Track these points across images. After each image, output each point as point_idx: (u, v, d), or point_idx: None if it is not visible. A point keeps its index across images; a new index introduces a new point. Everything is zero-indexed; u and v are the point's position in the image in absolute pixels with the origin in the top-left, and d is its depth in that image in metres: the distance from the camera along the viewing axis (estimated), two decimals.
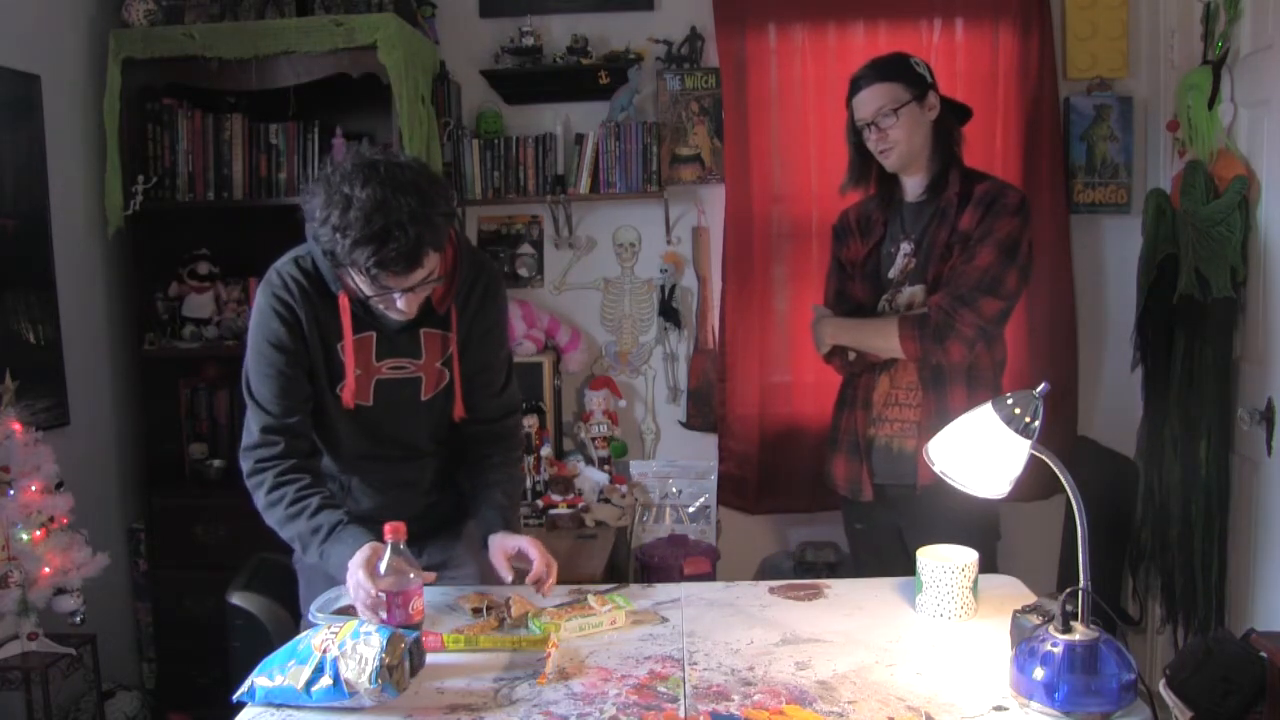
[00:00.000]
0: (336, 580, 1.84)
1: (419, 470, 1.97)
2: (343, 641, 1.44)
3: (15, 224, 2.82)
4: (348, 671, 1.40)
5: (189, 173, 3.19)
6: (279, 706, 1.43)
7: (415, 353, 1.87)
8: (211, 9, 3.10)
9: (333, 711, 1.42)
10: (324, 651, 1.43)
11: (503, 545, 1.84)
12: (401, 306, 1.71)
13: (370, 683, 1.39)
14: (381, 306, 1.74)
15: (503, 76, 3.39)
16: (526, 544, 1.82)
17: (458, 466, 2.02)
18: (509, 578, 1.81)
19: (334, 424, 1.88)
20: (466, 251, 1.89)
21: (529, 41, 3.33)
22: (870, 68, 2.29)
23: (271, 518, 1.79)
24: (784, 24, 3.36)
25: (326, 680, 1.40)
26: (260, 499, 1.79)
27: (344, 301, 1.79)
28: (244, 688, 1.46)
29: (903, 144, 2.25)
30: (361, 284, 1.69)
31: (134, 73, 3.05)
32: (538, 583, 1.79)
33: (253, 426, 1.81)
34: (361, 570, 1.59)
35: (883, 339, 2.26)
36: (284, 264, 1.84)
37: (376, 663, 1.41)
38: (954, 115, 2.33)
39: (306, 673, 1.41)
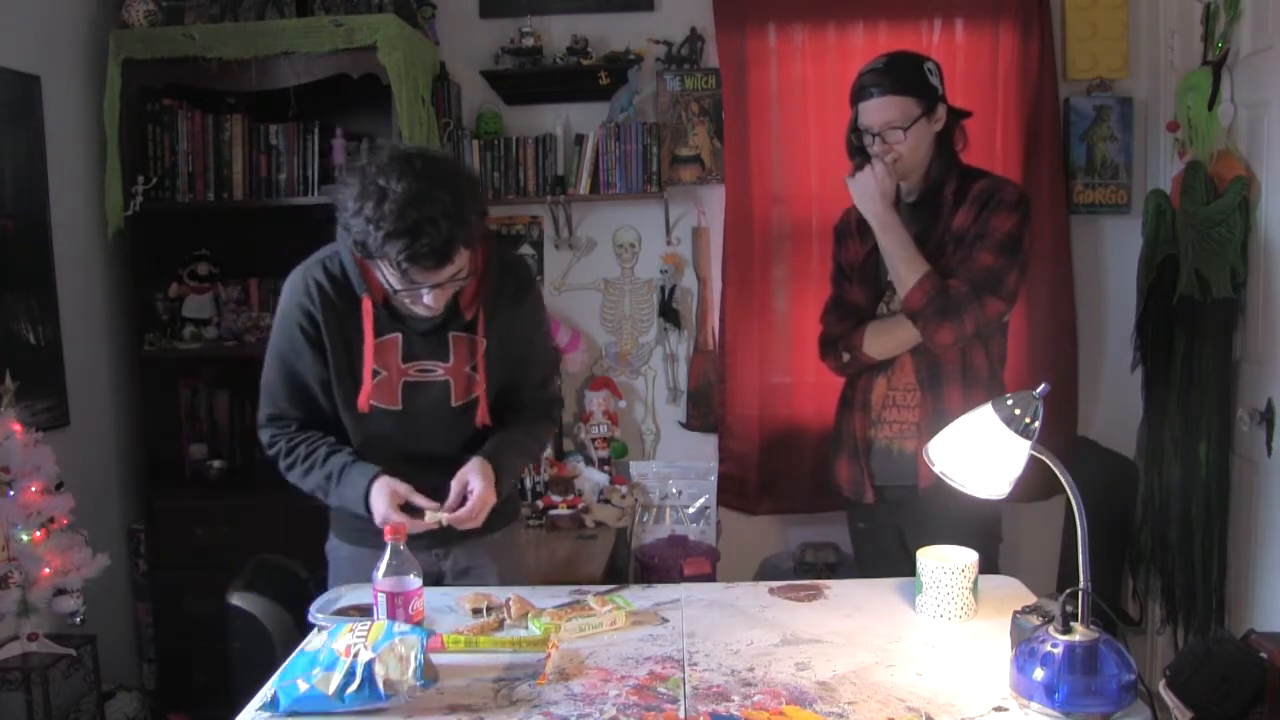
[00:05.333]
0: (364, 544, 1.87)
1: (446, 476, 1.93)
2: (377, 643, 1.43)
3: (15, 224, 2.82)
4: (390, 672, 1.40)
5: (189, 173, 3.19)
6: (305, 715, 1.40)
7: (443, 355, 1.86)
8: (211, 9, 3.10)
9: (351, 715, 1.41)
10: (353, 655, 1.42)
11: (464, 468, 1.82)
12: (428, 302, 1.72)
13: (415, 679, 1.40)
14: (408, 301, 1.74)
15: (503, 77, 3.39)
16: (473, 472, 1.80)
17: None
18: (432, 508, 1.78)
19: (363, 427, 1.88)
20: (498, 255, 1.88)
21: (529, 42, 3.33)
22: (884, 74, 2.22)
23: (293, 477, 1.89)
24: (784, 24, 3.36)
25: (359, 684, 1.39)
26: (281, 465, 1.90)
27: (366, 305, 1.80)
28: (263, 697, 1.44)
29: (907, 157, 2.23)
30: (391, 277, 1.69)
31: (134, 73, 3.05)
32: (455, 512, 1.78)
33: (264, 410, 1.92)
34: (393, 514, 1.72)
35: (906, 268, 2.20)
36: (311, 265, 1.85)
37: (419, 660, 1.42)
38: (954, 117, 2.32)
39: (337, 678, 1.39)
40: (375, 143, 1.74)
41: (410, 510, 1.77)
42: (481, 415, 1.91)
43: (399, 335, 1.83)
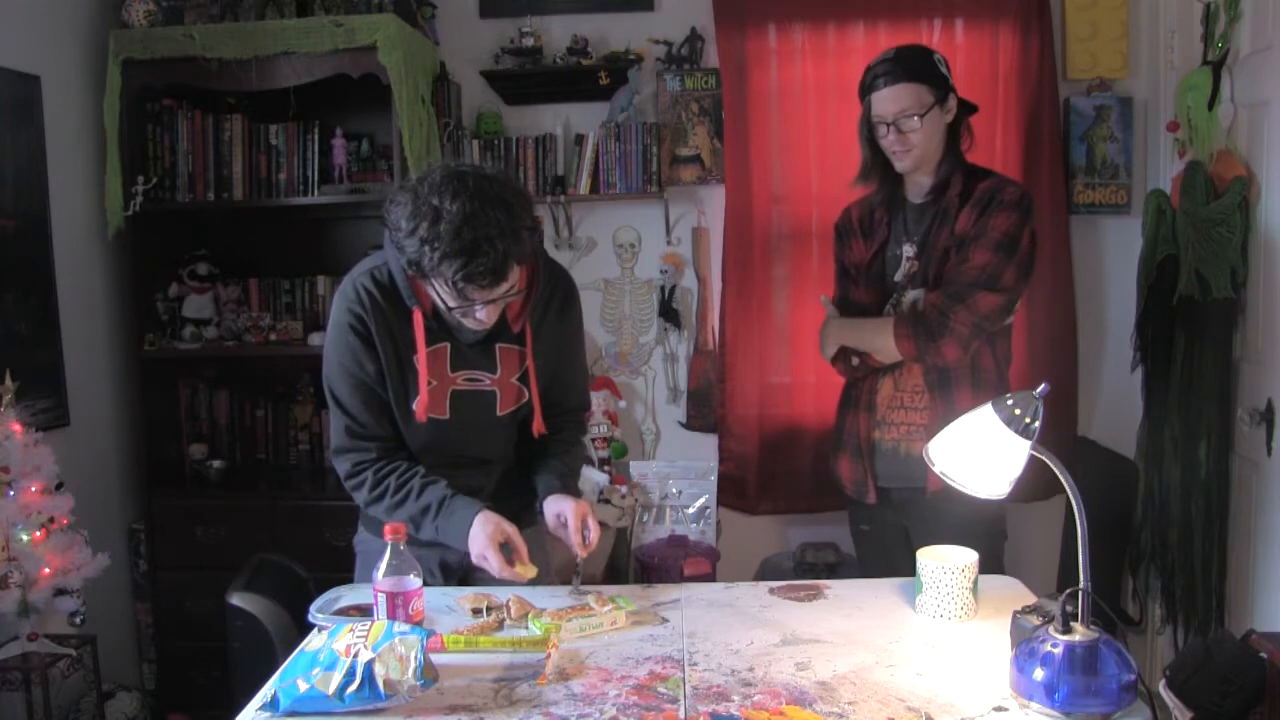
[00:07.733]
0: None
1: (486, 477, 1.97)
2: (377, 643, 1.43)
3: (15, 224, 2.82)
4: (389, 672, 1.40)
5: (189, 173, 3.19)
6: (305, 715, 1.40)
7: (490, 367, 1.87)
8: (211, 9, 3.10)
9: (351, 715, 1.41)
10: (353, 655, 1.42)
11: (552, 510, 1.87)
12: (481, 316, 1.73)
13: (416, 679, 1.40)
14: (459, 315, 1.75)
15: (503, 77, 3.39)
16: (569, 509, 1.85)
17: (523, 473, 2.03)
18: (577, 550, 1.84)
19: (408, 434, 1.88)
20: (545, 264, 1.89)
21: (529, 42, 3.33)
22: (895, 63, 2.20)
23: (378, 510, 1.86)
24: (784, 24, 3.36)
25: (359, 684, 1.39)
26: (363, 496, 1.87)
27: (418, 316, 1.80)
28: (263, 697, 1.44)
29: (920, 148, 2.21)
30: (445, 294, 1.69)
31: (134, 73, 3.05)
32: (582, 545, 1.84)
33: (340, 431, 1.87)
34: (490, 551, 1.74)
35: (881, 338, 2.24)
36: (359, 275, 1.84)
37: (419, 660, 1.42)
38: (963, 111, 2.30)
39: (337, 678, 1.40)
40: (426, 162, 1.73)
41: (505, 550, 1.78)
42: (537, 425, 1.93)
43: (447, 345, 1.84)
